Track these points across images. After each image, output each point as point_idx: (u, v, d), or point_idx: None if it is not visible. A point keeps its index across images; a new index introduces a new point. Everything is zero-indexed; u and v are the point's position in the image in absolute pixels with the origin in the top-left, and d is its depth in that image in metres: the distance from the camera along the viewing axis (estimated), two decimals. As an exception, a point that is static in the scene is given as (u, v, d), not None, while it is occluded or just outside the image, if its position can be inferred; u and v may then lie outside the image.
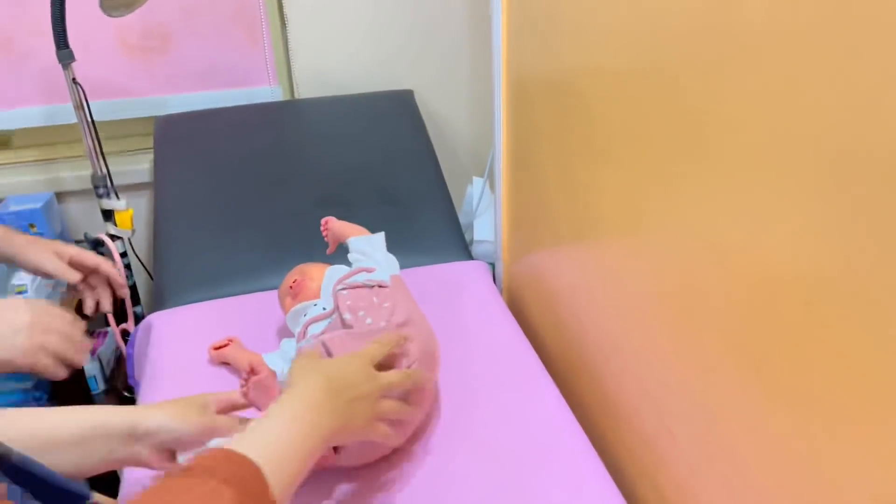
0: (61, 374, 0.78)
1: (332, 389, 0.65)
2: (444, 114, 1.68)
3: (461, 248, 1.33)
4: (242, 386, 0.82)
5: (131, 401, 1.42)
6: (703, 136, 0.63)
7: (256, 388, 0.81)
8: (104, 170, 1.30)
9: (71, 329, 0.79)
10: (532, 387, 0.97)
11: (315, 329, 0.89)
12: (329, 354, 0.77)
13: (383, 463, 0.82)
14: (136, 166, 1.54)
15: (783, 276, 0.53)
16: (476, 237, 1.45)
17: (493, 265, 1.37)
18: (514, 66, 1.16)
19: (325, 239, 1.10)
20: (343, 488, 0.80)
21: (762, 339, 0.57)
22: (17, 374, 0.65)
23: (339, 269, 1.00)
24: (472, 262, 1.30)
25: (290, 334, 1.01)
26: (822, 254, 0.49)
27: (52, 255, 0.95)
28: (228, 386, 0.97)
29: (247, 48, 1.56)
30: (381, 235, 1.04)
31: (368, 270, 0.96)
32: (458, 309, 1.14)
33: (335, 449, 0.76)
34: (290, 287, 1.02)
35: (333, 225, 1.09)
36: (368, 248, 1.01)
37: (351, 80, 1.61)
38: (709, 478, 0.69)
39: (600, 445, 0.88)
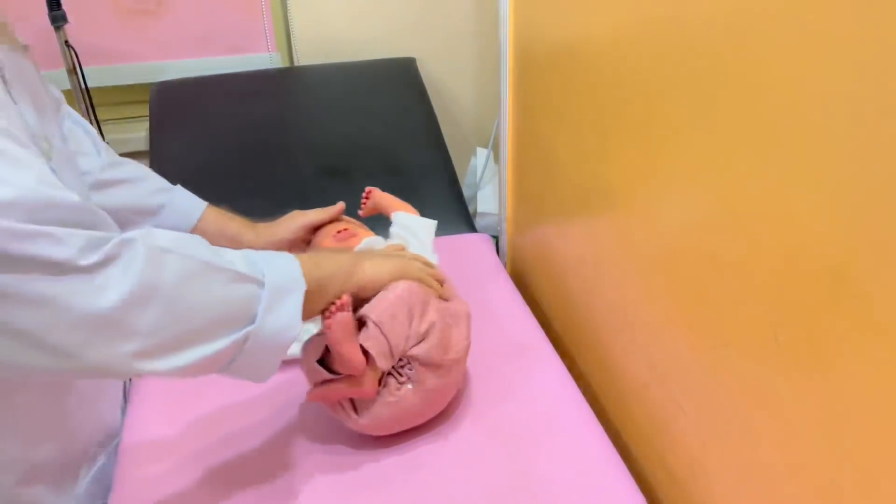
0: (437, 289, 0.82)
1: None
2: (448, 83, 1.64)
3: (465, 220, 1.30)
4: (327, 317, 0.71)
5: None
6: (718, 100, 0.59)
7: (340, 324, 0.71)
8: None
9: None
10: (536, 360, 0.95)
11: None
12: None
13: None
14: (130, 134, 1.51)
15: (808, 245, 0.51)
16: (480, 209, 1.42)
17: (496, 238, 1.34)
18: (522, 33, 1.12)
19: (363, 207, 1.03)
20: (342, 459, 0.78)
21: (783, 311, 0.54)
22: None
23: (376, 241, 0.92)
24: (475, 234, 1.27)
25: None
26: (852, 222, 0.46)
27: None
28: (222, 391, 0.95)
29: (244, 13, 1.52)
30: (432, 223, 0.97)
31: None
32: (462, 282, 1.10)
33: (356, 409, 0.75)
34: (339, 232, 0.94)
35: (376, 195, 1.02)
36: (415, 227, 0.96)
37: (352, 47, 1.56)
38: (721, 454, 0.67)
39: (606, 420, 0.87)
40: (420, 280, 0.78)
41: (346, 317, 0.70)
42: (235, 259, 0.61)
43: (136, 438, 0.84)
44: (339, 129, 1.41)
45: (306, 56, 1.56)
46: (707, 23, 0.60)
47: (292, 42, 1.54)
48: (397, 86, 1.52)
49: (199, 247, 0.60)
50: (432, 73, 1.60)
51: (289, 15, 1.51)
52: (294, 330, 0.63)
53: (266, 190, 1.30)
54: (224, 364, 0.60)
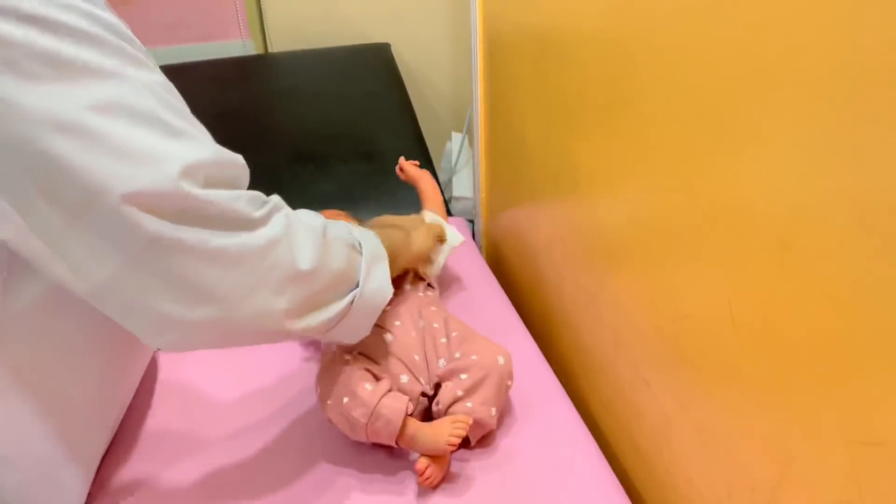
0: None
1: None
2: (422, 69, 1.64)
3: (439, 204, 1.31)
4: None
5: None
6: (679, 85, 0.61)
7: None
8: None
9: None
10: (509, 340, 0.95)
11: None
12: None
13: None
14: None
15: (758, 217, 0.52)
16: (455, 194, 1.43)
17: (472, 222, 1.35)
18: (491, 18, 1.13)
19: (399, 173, 1.10)
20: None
21: (736, 281, 0.56)
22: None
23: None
24: (451, 218, 1.28)
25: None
26: (796, 191, 0.48)
27: None
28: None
29: (217, 0, 1.51)
30: (460, 238, 1.00)
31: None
32: (436, 264, 1.13)
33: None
34: None
35: (408, 169, 1.09)
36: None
37: (325, 34, 1.56)
38: (683, 425, 0.68)
39: (577, 398, 0.88)
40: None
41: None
42: (340, 229, 0.68)
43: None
44: (313, 116, 1.41)
45: (280, 43, 1.55)
46: (671, 7, 0.61)
47: (266, 29, 1.54)
48: (372, 72, 1.52)
49: (314, 217, 0.66)
50: (407, 58, 1.60)
51: (262, 1, 1.51)
52: (387, 293, 0.71)
53: (241, 177, 1.30)
54: (333, 324, 0.66)
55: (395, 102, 1.46)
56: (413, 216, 0.99)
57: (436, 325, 0.83)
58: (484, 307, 1.03)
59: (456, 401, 0.75)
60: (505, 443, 0.79)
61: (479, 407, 0.74)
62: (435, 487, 0.72)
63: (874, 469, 0.44)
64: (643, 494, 0.78)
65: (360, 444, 0.77)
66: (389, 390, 0.73)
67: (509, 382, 0.79)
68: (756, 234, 0.53)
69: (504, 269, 1.23)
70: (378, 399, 0.71)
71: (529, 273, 1.12)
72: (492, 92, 1.20)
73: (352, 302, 0.66)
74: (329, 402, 0.74)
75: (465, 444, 0.78)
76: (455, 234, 0.99)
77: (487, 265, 1.16)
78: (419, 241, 0.88)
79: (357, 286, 0.67)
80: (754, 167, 0.52)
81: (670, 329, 0.68)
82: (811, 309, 0.48)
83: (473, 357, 0.77)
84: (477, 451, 0.78)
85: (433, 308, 0.86)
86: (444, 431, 0.71)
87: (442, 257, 0.97)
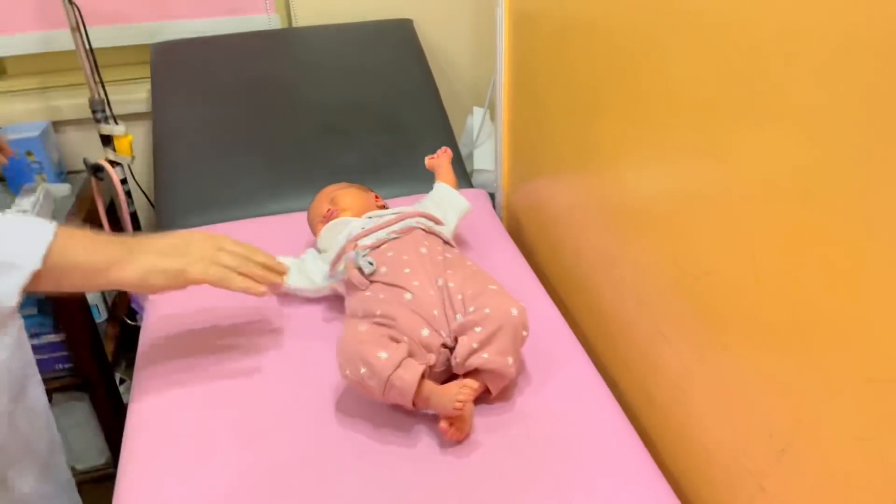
0: (253, 288, 0.81)
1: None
2: (443, 44, 1.66)
3: (462, 176, 1.33)
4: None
5: (134, 328, 1.44)
6: (704, 52, 0.63)
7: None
8: (102, 94, 1.29)
9: (246, 250, 0.83)
10: (530, 303, 0.98)
11: (366, 241, 0.91)
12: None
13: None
14: (131, 95, 1.53)
15: (781, 170, 0.55)
16: (476, 167, 1.46)
17: (492, 194, 1.38)
18: (517, -10, 1.15)
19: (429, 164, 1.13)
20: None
21: (759, 234, 0.59)
22: (26, 300, 0.67)
23: (348, 222, 1.00)
24: (472, 189, 1.31)
25: (292, 253, 1.02)
26: (820, 143, 0.50)
27: None
28: (234, 303, 0.99)
29: (243, -26, 1.54)
30: (466, 204, 1.06)
31: (437, 221, 0.98)
32: (460, 234, 1.16)
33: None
34: (323, 216, 1.04)
35: (435, 161, 1.12)
36: (446, 202, 1.05)
37: (348, 9, 1.58)
38: (701, 377, 0.71)
39: (595, 358, 0.91)
40: (203, 281, 0.79)
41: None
42: None
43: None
44: (337, 89, 1.44)
45: (304, 17, 1.57)
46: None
47: (290, 4, 1.56)
48: (394, 47, 1.54)
49: None
50: (429, 34, 1.62)
51: (286, -24, 1.53)
52: (8, 302, 0.66)
53: (266, 147, 1.33)
54: None
55: (416, 77, 1.48)
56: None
57: (452, 284, 0.85)
58: (505, 273, 1.05)
59: (472, 353, 0.78)
60: (525, 398, 0.82)
61: (495, 357, 0.77)
62: (461, 441, 0.76)
63: (891, 405, 0.47)
64: (659, 446, 0.82)
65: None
66: (405, 358, 0.75)
67: (524, 333, 0.81)
68: (780, 189, 0.55)
69: (524, 238, 1.26)
70: (392, 370, 0.73)
71: (550, 241, 1.15)
72: (515, 65, 1.22)
73: None
74: (347, 371, 0.77)
75: (487, 394, 0.81)
76: (463, 200, 1.05)
77: (508, 234, 1.18)
78: (136, 274, 0.74)
79: None
80: (779, 124, 0.54)
81: (693, 286, 0.71)
82: (832, 256, 0.50)
83: (486, 310, 0.80)
84: (497, 406, 0.81)
85: (451, 269, 0.89)
86: (451, 394, 0.74)
87: (453, 221, 1.03)
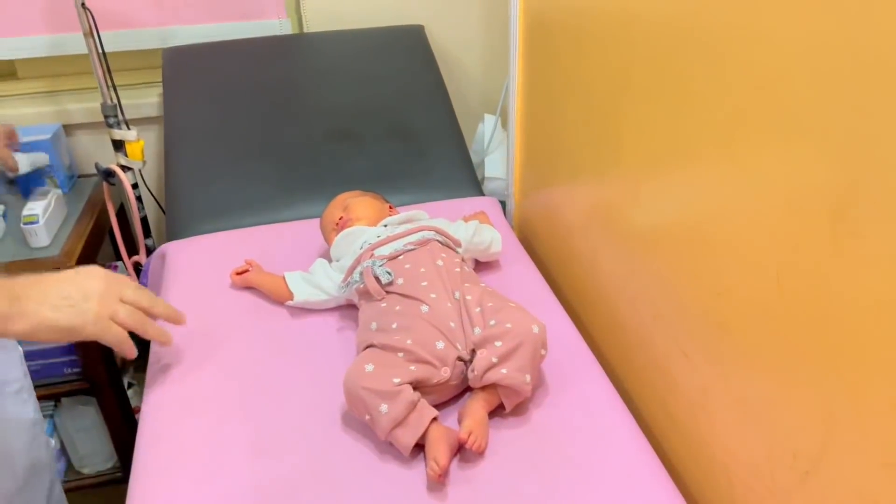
0: (129, 351, 0.77)
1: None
2: (454, 51, 1.66)
3: (473, 183, 1.33)
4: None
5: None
6: (726, 59, 0.62)
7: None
8: (115, 98, 1.29)
9: (146, 301, 0.78)
10: (543, 315, 0.97)
11: (383, 251, 0.91)
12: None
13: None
14: (142, 100, 1.52)
15: (809, 187, 0.54)
16: (487, 174, 1.45)
17: (503, 203, 1.37)
18: (531, -2, 1.14)
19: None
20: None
21: (784, 253, 0.58)
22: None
23: (363, 231, 1.00)
24: (483, 197, 1.30)
25: (301, 262, 1.02)
26: (851, 162, 0.49)
27: None
28: (247, 312, 0.99)
29: (255, -21, 1.53)
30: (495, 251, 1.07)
31: (454, 241, 0.97)
32: (471, 242, 1.15)
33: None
34: (336, 224, 1.04)
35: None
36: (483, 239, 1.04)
37: (360, 15, 1.58)
38: (722, 395, 0.70)
39: (611, 373, 0.90)
40: (98, 338, 0.74)
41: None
42: None
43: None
44: (348, 95, 1.43)
45: (315, 23, 1.57)
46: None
47: (301, 9, 1.56)
48: (405, 53, 1.53)
49: None
50: (440, 41, 1.61)
51: (298, -19, 1.53)
52: None
53: (277, 153, 1.33)
54: None
55: (428, 84, 1.47)
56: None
57: (469, 297, 0.85)
58: (517, 284, 1.05)
59: (490, 368, 0.77)
60: (540, 413, 0.81)
61: (513, 373, 0.77)
62: (482, 452, 0.75)
63: (921, 431, 0.46)
64: (676, 464, 0.81)
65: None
66: (406, 416, 0.73)
67: (543, 352, 0.81)
68: (808, 207, 0.54)
69: (536, 248, 1.25)
70: (391, 428, 0.73)
71: (563, 251, 1.14)
72: (529, 72, 1.21)
73: None
74: (353, 411, 0.77)
75: (501, 409, 0.80)
76: (498, 243, 1.05)
77: (520, 244, 1.17)
78: (27, 328, 0.69)
79: None
80: (808, 141, 0.54)
81: (713, 302, 0.70)
82: (862, 277, 0.50)
83: (508, 325, 0.79)
84: (512, 421, 0.80)
85: (468, 283, 0.88)
86: (429, 460, 0.72)
87: (478, 255, 1.03)
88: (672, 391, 0.81)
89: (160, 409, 0.83)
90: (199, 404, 0.84)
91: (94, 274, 0.75)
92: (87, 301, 0.72)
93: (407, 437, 0.73)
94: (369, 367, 0.76)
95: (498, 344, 0.77)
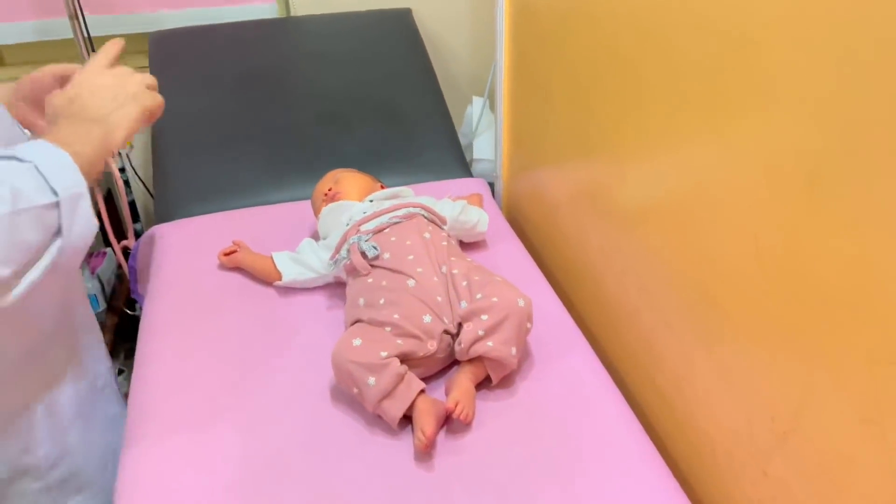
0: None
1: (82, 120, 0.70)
2: (443, 34, 1.66)
3: (461, 165, 1.33)
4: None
5: (134, 318, 1.44)
6: (709, 36, 0.63)
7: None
8: (100, 83, 1.28)
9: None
10: (532, 293, 0.98)
11: (368, 226, 0.91)
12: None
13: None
14: (130, 85, 1.52)
15: (786, 154, 0.55)
16: (475, 156, 1.46)
17: (492, 184, 1.38)
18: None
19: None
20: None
21: (762, 218, 0.59)
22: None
23: (351, 206, 1.00)
24: (472, 178, 1.30)
25: (289, 244, 1.02)
26: (827, 127, 0.50)
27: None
28: (235, 293, 0.99)
29: (241, -37, 1.53)
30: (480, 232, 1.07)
31: (440, 219, 0.97)
32: (459, 222, 1.16)
33: None
34: (325, 194, 1.05)
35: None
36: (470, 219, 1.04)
37: (348, -1, 1.58)
38: (705, 364, 0.71)
39: (597, 347, 0.91)
40: (154, 110, 0.75)
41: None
42: (31, 188, 0.63)
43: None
44: (336, 78, 1.43)
45: (303, 6, 1.57)
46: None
47: (288, -7, 1.56)
48: (393, 37, 1.53)
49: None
50: (428, 23, 1.61)
51: (285, -35, 1.52)
52: (93, 229, 0.67)
53: (265, 136, 1.33)
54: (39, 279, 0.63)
55: (416, 67, 1.47)
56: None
57: (456, 272, 0.86)
58: (505, 263, 1.06)
59: (477, 341, 0.78)
60: (527, 386, 0.82)
61: (499, 346, 0.78)
62: (469, 423, 0.76)
63: (894, 387, 0.47)
64: (661, 434, 0.82)
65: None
66: (393, 388, 0.74)
67: (529, 325, 0.81)
68: (784, 175, 0.55)
69: (524, 227, 1.26)
70: (378, 399, 0.74)
71: (550, 230, 1.14)
72: (516, 54, 1.22)
73: (60, 252, 0.65)
74: (341, 385, 0.78)
75: (487, 382, 0.81)
76: (484, 223, 1.06)
77: (508, 224, 1.18)
78: (122, 133, 0.72)
79: (60, 234, 0.65)
80: (784, 108, 0.54)
81: (696, 273, 0.71)
82: (837, 239, 0.51)
83: (494, 299, 0.80)
84: (499, 393, 0.81)
85: (454, 257, 0.89)
86: (417, 430, 0.73)
87: (463, 234, 1.04)
88: (657, 363, 0.82)
89: (149, 388, 0.84)
90: (188, 383, 0.84)
91: (100, 72, 0.75)
92: (126, 87, 0.74)
93: (394, 409, 0.74)
94: (357, 342, 0.76)
95: (484, 317, 0.78)
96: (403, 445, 0.75)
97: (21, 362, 0.73)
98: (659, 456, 0.75)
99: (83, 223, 0.67)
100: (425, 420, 0.72)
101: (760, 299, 0.60)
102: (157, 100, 0.76)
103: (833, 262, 0.51)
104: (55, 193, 0.64)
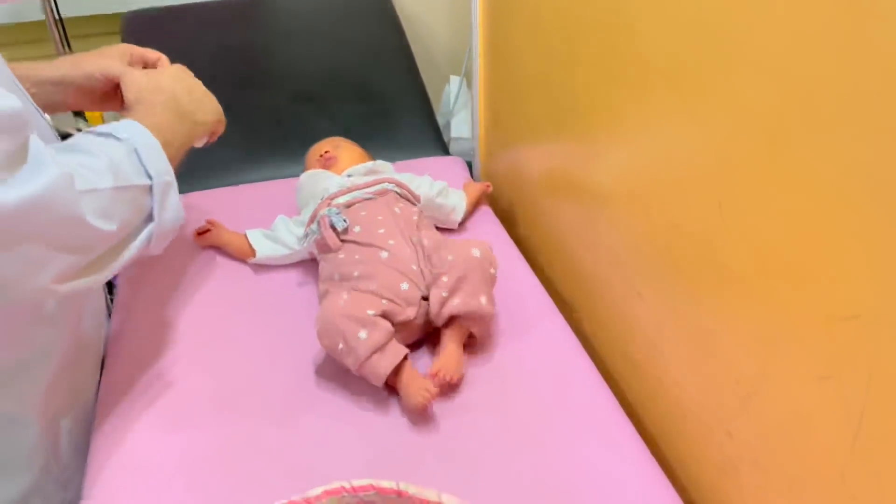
0: None
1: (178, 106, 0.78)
2: (420, 12, 1.65)
3: (438, 143, 1.33)
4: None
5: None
6: (681, 14, 0.63)
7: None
8: (72, 63, 1.27)
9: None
10: (509, 269, 0.99)
11: (340, 200, 0.91)
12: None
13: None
14: (104, 66, 1.50)
15: (749, 116, 0.55)
16: (453, 135, 1.45)
17: (469, 163, 1.37)
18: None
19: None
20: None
21: (726, 183, 0.59)
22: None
23: (355, 170, 1.01)
24: (449, 157, 1.30)
25: (265, 223, 1.02)
26: (787, 86, 0.50)
27: (115, 60, 0.83)
28: (209, 270, 0.99)
29: (214, -59, 1.51)
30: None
31: (414, 196, 0.96)
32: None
33: None
34: (321, 155, 1.05)
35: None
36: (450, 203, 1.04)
37: (324, -22, 1.56)
38: (674, 332, 0.72)
39: (573, 321, 0.92)
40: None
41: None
42: (128, 168, 0.65)
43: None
44: (312, 58, 1.42)
45: (278, -14, 1.56)
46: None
47: (263, -29, 1.54)
48: (370, 16, 1.52)
49: (104, 173, 0.62)
50: (405, 3, 1.61)
51: (259, -57, 1.50)
52: (181, 219, 0.73)
53: (241, 116, 1.30)
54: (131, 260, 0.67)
55: (393, 46, 1.47)
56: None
57: (426, 242, 0.86)
58: (482, 238, 1.06)
59: (444, 303, 0.78)
60: (501, 359, 0.83)
61: (467, 300, 0.78)
62: (456, 384, 0.76)
63: (849, 342, 0.48)
64: (633, 402, 0.83)
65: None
66: (384, 344, 0.74)
67: (492, 270, 0.82)
68: (748, 137, 0.56)
69: (502, 205, 1.26)
70: (368, 354, 0.73)
71: (527, 207, 1.15)
72: (491, 32, 1.22)
73: (150, 237, 0.69)
74: (325, 342, 0.77)
75: (473, 341, 0.82)
76: (460, 212, 1.05)
77: (486, 203, 1.18)
78: (202, 120, 0.81)
79: (151, 219, 0.68)
80: (746, 72, 0.55)
81: (664, 242, 0.72)
82: (797, 197, 0.51)
83: (450, 258, 0.81)
84: (474, 364, 0.81)
85: (424, 230, 0.89)
86: (416, 391, 0.73)
87: (437, 216, 1.03)
88: (629, 332, 0.83)
89: (121, 364, 0.84)
90: (162, 360, 0.84)
91: (190, 75, 0.88)
92: (212, 97, 0.86)
93: (384, 364, 0.73)
94: (345, 296, 0.77)
95: (444, 279, 0.79)
96: (377, 418, 0.75)
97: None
98: (630, 423, 0.76)
99: (173, 210, 0.70)
100: (419, 380, 0.73)
101: (724, 262, 0.61)
102: (223, 124, 0.85)
103: (792, 220, 0.52)
104: (150, 178, 0.66)
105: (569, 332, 0.88)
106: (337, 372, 0.80)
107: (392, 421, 0.75)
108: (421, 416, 0.74)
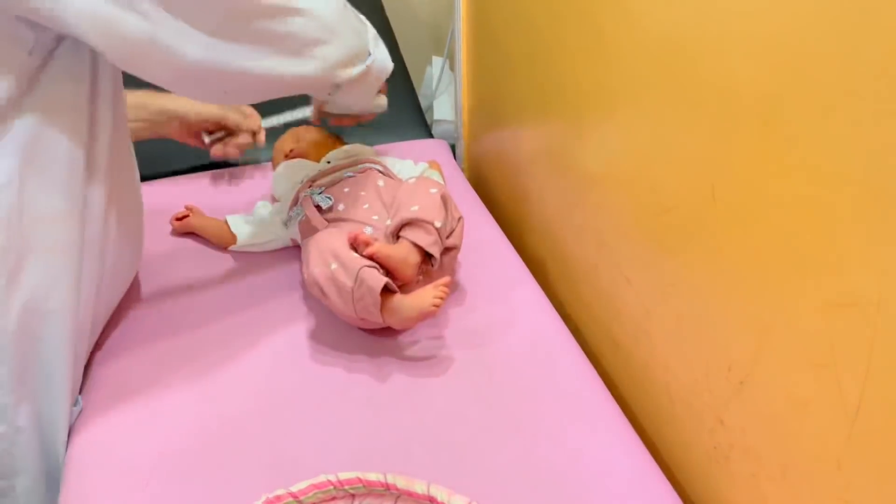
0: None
1: None
2: (402, -7, 1.61)
3: (422, 126, 1.30)
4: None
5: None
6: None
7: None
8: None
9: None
10: (493, 252, 0.98)
11: (322, 181, 0.89)
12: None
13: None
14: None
15: (741, 97, 0.54)
16: (436, 117, 1.43)
17: (453, 146, 1.35)
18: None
19: None
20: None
21: (719, 165, 0.58)
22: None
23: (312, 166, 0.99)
24: (432, 139, 1.28)
25: (243, 208, 0.99)
26: (781, 66, 0.49)
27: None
28: (188, 257, 0.96)
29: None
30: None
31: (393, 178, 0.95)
32: (419, 183, 1.13)
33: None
34: (286, 155, 1.03)
35: None
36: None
37: (302, -45, 1.52)
38: (662, 316, 0.71)
39: (559, 306, 0.91)
40: None
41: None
42: (350, 7, 0.85)
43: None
44: (291, 38, 1.38)
45: (255, -36, 1.51)
46: None
47: (239, -51, 1.49)
48: (350, -5, 1.49)
49: None
50: (386, -17, 1.57)
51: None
52: (391, 65, 0.90)
53: (219, 99, 1.28)
54: (356, 80, 0.83)
55: (374, 26, 1.43)
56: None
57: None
58: (467, 223, 1.04)
59: (402, 218, 0.78)
60: (487, 344, 0.81)
61: (421, 212, 0.78)
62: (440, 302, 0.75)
63: (847, 330, 0.47)
64: (620, 388, 0.82)
65: (344, 327, 0.80)
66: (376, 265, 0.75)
67: (433, 190, 0.82)
68: (740, 116, 0.54)
69: (486, 188, 1.25)
70: (363, 264, 0.73)
71: (512, 190, 1.13)
72: (473, 13, 1.19)
73: (368, 70, 0.84)
74: (317, 268, 0.75)
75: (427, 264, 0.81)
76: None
77: (470, 185, 1.16)
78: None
79: (370, 54, 0.85)
80: (739, 51, 0.53)
81: (654, 225, 0.70)
82: (792, 180, 0.50)
83: (413, 208, 0.80)
84: (459, 349, 0.80)
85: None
86: (427, 295, 0.74)
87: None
88: (616, 318, 0.82)
89: (102, 353, 0.81)
90: (143, 348, 0.82)
91: None
92: None
93: (376, 277, 0.73)
94: (333, 230, 0.77)
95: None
96: (360, 406, 0.74)
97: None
98: (619, 409, 0.75)
99: (384, 55, 0.89)
100: (427, 288, 0.76)
101: (716, 246, 0.60)
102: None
103: (787, 204, 0.51)
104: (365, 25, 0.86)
105: (555, 317, 0.87)
106: (321, 357, 0.79)
107: (378, 411, 0.73)
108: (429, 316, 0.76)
